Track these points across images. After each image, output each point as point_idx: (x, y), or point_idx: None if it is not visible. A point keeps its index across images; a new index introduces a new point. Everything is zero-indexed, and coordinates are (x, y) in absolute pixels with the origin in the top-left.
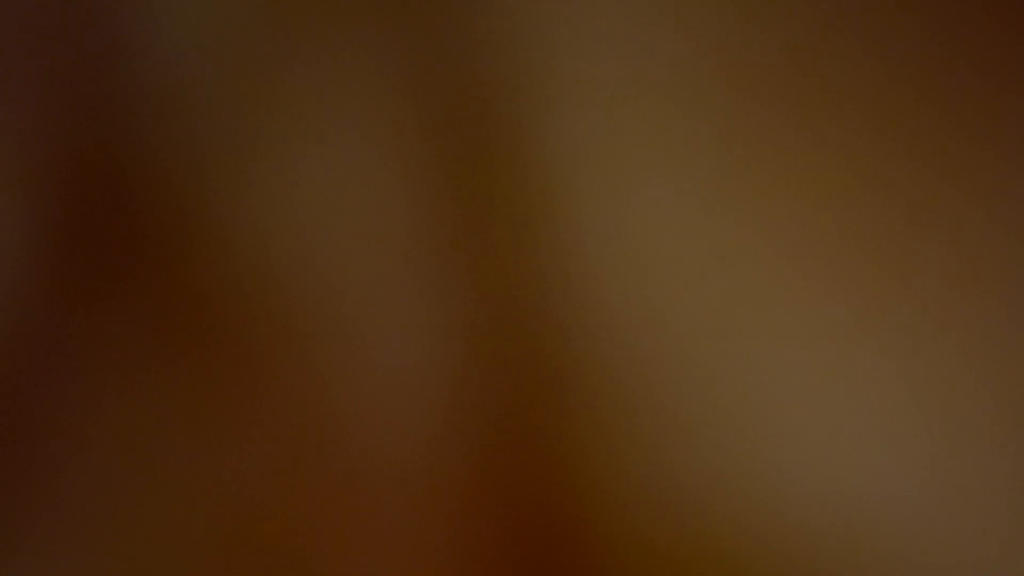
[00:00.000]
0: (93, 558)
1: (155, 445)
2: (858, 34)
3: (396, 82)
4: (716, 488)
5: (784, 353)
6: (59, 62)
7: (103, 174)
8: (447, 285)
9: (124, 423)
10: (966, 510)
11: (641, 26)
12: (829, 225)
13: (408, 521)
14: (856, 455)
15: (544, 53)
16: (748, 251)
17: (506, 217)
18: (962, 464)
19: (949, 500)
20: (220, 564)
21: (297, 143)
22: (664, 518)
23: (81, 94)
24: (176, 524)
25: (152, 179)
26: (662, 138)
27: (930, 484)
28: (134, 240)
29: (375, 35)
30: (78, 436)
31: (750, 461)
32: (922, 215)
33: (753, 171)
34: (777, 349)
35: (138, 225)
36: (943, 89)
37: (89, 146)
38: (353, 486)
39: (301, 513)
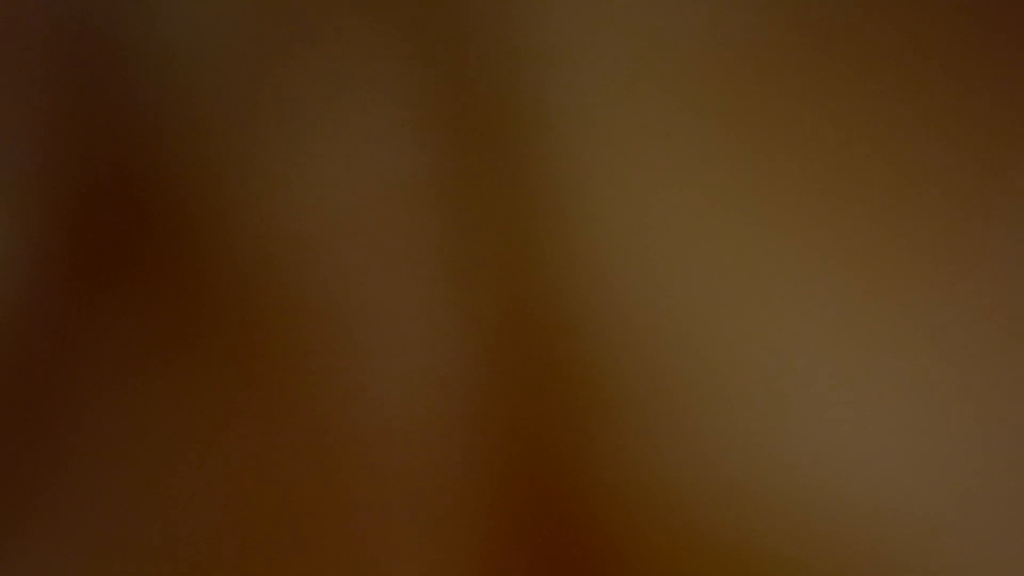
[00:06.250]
0: (94, 557)
1: (158, 444)
2: (880, 23)
3: (403, 83)
4: (726, 490)
5: (799, 351)
6: (63, 63)
7: (108, 174)
8: (454, 285)
9: (127, 422)
10: (975, 512)
11: (653, 20)
12: (845, 221)
13: (413, 522)
14: (871, 457)
15: (554, 49)
16: (760, 247)
17: (515, 216)
18: (972, 465)
19: (961, 503)
20: (221, 563)
21: (303, 144)
22: (674, 518)
23: (86, 94)
24: (178, 523)
25: (158, 179)
26: (674, 134)
27: (940, 487)
28: (138, 240)
29: (382, 36)
30: (80, 434)
31: (760, 461)
32: (943, 209)
33: (766, 165)
34: (792, 347)
35: (143, 225)
36: (975, 77)
37: (94, 146)
38: (357, 485)
39: (305, 513)
